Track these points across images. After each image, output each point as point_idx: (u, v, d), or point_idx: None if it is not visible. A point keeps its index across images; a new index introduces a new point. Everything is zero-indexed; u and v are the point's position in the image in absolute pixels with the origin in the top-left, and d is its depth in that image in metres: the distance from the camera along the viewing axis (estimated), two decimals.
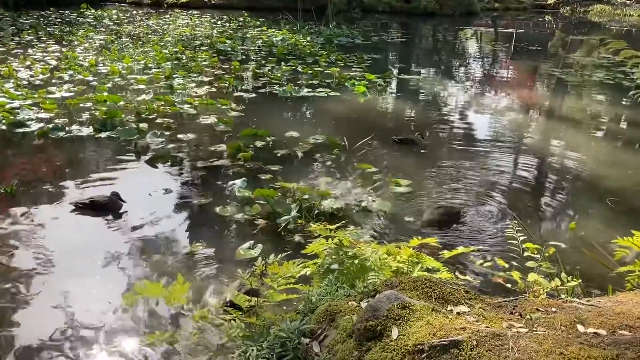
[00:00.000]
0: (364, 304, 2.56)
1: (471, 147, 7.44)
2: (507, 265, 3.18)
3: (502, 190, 5.93)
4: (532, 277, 2.99)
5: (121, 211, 5.14)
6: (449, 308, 2.43)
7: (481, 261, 3.30)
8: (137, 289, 2.92)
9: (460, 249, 3.33)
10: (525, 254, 3.26)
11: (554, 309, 2.36)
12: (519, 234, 3.36)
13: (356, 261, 3.16)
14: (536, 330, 2.14)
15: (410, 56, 16.81)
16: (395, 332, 2.23)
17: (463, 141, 7.78)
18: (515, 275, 3.13)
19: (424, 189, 5.81)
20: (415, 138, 7.37)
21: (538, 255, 3.21)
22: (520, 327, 2.20)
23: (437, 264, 3.30)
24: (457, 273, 3.31)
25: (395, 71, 13.49)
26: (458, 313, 2.38)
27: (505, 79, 13.96)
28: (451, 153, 7.20)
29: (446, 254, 3.32)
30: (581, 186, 6.17)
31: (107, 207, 5.16)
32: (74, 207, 5.15)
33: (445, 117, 9.26)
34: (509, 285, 3.19)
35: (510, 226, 3.48)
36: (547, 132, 8.64)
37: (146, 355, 3.06)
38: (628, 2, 31.97)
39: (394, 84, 11.92)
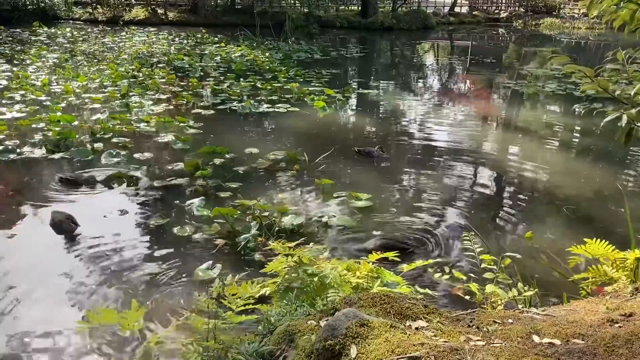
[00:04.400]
0: (323, 323, 2.53)
1: (430, 159, 7.52)
2: (464, 278, 3.20)
3: (460, 201, 6.00)
4: (489, 288, 3.01)
5: (75, 233, 4.99)
6: (407, 323, 2.42)
7: (439, 274, 3.31)
8: (90, 316, 2.82)
9: (419, 262, 3.33)
10: (482, 265, 3.29)
11: (510, 320, 2.37)
12: (475, 246, 3.40)
13: (316, 279, 3.13)
14: (493, 343, 2.15)
15: (368, 70, 16.98)
16: (354, 351, 2.20)
17: (422, 153, 7.87)
18: (473, 287, 3.15)
19: (384, 202, 5.84)
20: (376, 151, 7.42)
21: (495, 267, 3.24)
22: (478, 340, 2.20)
23: (397, 278, 3.30)
24: (417, 287, 3.31)
25: (354, 85, 13.59)
26: (417, 328, 2.37)
27: (463, 91, 14.24)
28: (411, 165, 7.28)
29: (405, 267, 3.32)
30: (537, 195, 6.30)
31: (62, 229, 5.01)
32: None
33: (405, 130, 9.36)
34: (467, 297, 3.20)
35: (467, 238, 3.51)
36: (504, 143, 8.82)
37: None
38: (576, 15, 33.16)
39: (353, 98, 12.00)
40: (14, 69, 13.57)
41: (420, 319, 2.46)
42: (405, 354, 2.08)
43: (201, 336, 2.95)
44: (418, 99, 12.53)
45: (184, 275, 4.31)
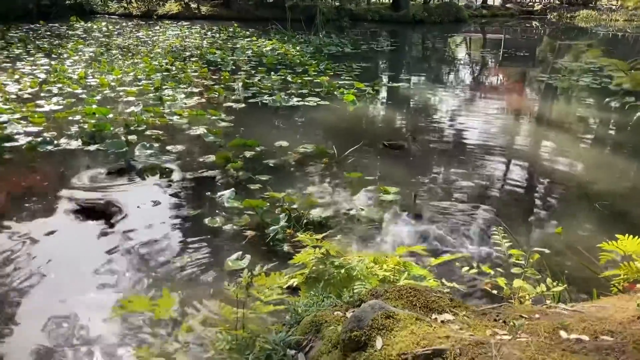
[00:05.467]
0: (349, 314, 2.56)
1: (460, 153, 7.46)
2: (492, 272, 3.19)
3: (490, 195, 5.95)
4: (517, 283, 3.00)
5: (117, 218, 5.15)
6: (433, 316, 2.43)
7: (467, 268, 3.30)
8: (123, 303, 2.91)
9: (447, 256, 3.33)
10: (511, 259, 3.27)
11: (537, 315, 2.36)
12: (504, 240, 3.38)
13: (342, 270, 3.16)
14: (519, 337, 2.15)
15: (399, 64, 16.88)
16: (379, 342, 2.23)
17: (452, 147, 7.81)
18: (501, 281, 3.14)
19: (411, 195, 5.82)
20: (407, 139, 7.41)
21: (523, 261, 3.22)
22: (504, 334, 2.21)
23: (424, 272, 3.31)
24: (443, 280, 3.31)
25: (385, 79, 13.54)
26: (442, 321, 2.38)
27: (495, 85, 14.04)
28: (440, 159, 7.23)
29: (433, 261, 3.32)
30: (569, 190, 6.20)
31: (103, 213, 5.23)
32: (72, 211, 5.23)
33: (435, 124, 9.29)
34: (495, 292, 3.19)
35: (496, 232, 3.49)
36: (536, 137, 8.69)
37: None
38: (613, 7, 32.28)
39: (383, 92, 11.96)
40: (52, 62, 13.92)
41: (446, 312, 2.47)
42: (431, 346, 2.10)
43: (230, 325, 3.02)
44: (449, 92, 12.41)
45: (214, 265, 4.39)
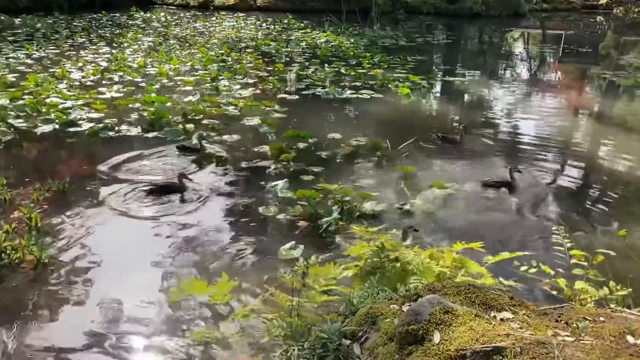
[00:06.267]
0: (405, 308, 2.56)
1: (516, 150, 7.30)
2: (552, 272, 3.12)
3: (548, 194, 5.80)
4: (579, 285, 2.92)
5: (170, 208, 5.34)
6: (492, 314, 2.40)
7: (526, 267, 3.23)
8: (182, 285, 2.99)
9: (505, 255, 3.28)
10: (572, 261, 3.18)
11: (602, 319, 2.30)
12: (565, 241, 3.29)
13: (398, 264, 3.16)
14: (583, 340, 2.09)
15: (454, 58, 16.60)
16: (437, 337, 2.22)
17: (508, 144, 7.65)
18: (561, 282, 3.06)
19: (466, 192, 5.73)
20: (460, 133, 7.32)
21: (585, 263, 3.12)
22: (567, 335, 2.16)
23: (481, 269, 3.26)
24: (501, 279, 3.26)
25: (440, 73, 13.35)
26: (502, 319, 2.35)
27: (553, 82, 13.62)
28: (495, 155, 7.09)
29: (490, 259, 3.27)
30: (632, 192, 5.97)
31: (175, 189, 5.62)
32: (146, 190, 5.58)
33: (490, 120, 9.11)
34: (554, 293, 3.11)
35: (557, 232, 3.40)
36: (596, 136, 8.39)
37: (190, 351, 3.14)
38: None
39: (438, 86, 11.80)
40: (113, 51, 14.36)
41: (506, 310, 2.43)
42: (491, 344, 2.08)
43: (285, 312, 3.07)
44: (505, 88, 12.12)
45: (268, 252, 4.46)
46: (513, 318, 2.35)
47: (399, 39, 18.31)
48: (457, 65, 15.21)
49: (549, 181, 6.18)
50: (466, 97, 11.05)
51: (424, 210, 5.21)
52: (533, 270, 3.16)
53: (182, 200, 5.49)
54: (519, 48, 19.95)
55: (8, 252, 4.29)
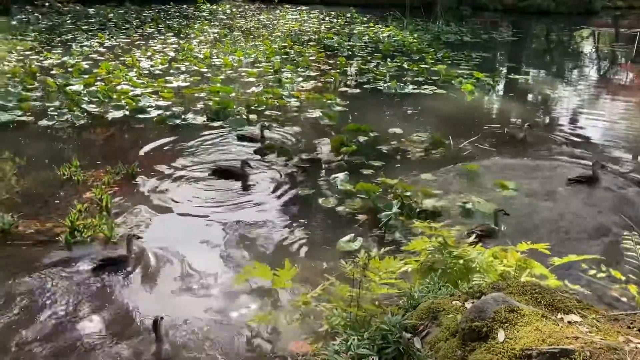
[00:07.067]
0: (468, 305, 2.53)
1: (583, 151, 7.03)
2: (623, 278, 3.00)
3: (617, 198, 5.56)
4: None
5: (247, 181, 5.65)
6: (559, 316, 2.34)
7: (594, 271, 3.13)
8: (247, 270, 3.06)
9: (572, 257, 3.18)
10: None
11: None
12: (637, 246, 3.16)
13: (461, 261, 3.12)
14: None
15: (520, 56, 16.14)
16: (501, 335, 2.19)
17: (575, 145, 7.37)
18: (633, 289, 2.94)
19: (531, 193, 5.57)
20: (524, 130, 7.14)
21: None
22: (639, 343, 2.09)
23: (545, 271, 3.18)
24: (566, 282, 3.17)
25: (505, 71, 13.02)
26: (569, 322, 2.29)
27: (624, 83, 13.02)
28: (561, 155, 6.85)
29: (556, 261, 3.19)
30: None
31: (236, 175, 5.83)
32: (212, 170, 5.91)
33: (556, 120, 8.82)
34: (624, 300, 3.00)
35: (629, 237, 3.27)
36: None
37: (252, 332, 3.22)
38: None
39: (502, 83, 11.52)
40: (180, 41, 14.77)
41: (573, 313, 2.37)
42: (558, 345, 2.03)
43: (344, 302, 3.09)
44: (572, 88, 11.69)
45: (327, 243, 4.50)
46: (581, 321, 2.29)
47: (463, 35, 17.96)
48: (522, 63, 14.79)
49: (617, 184, 5.93)
50: (531, 96, 10.75)
51: (486, 210, 5.11)
52: (602, 275, 3.06)
53: (244, 188, 5.62)
54: (587, 47, 19.18)
55: (81, 230, 4.53)
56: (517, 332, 2.18)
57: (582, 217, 5.06)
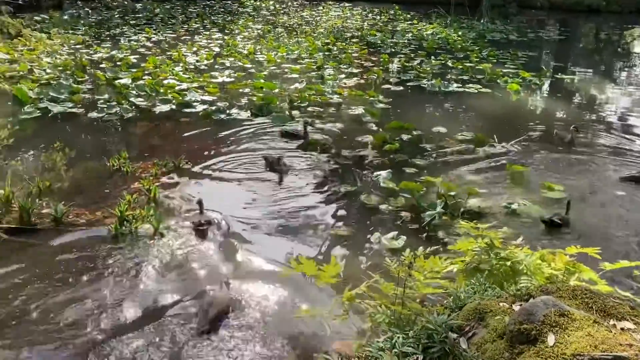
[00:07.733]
0: (516, 307, 2.51)
1: (632, 154, 6.81)
2: None
3: None
4: None
5: (275, 188, 5.62)
6: (611, 322, 2.30)
7: None
8: (292, 264, 3.09)
9: (624, 262, 3.10)
10: None
11: None
12: None
13: (508, 263, 3.09)
14: None
15: (567, 55, 15.74)
16: (551, 339, 2.16)
17: (624, 147, 7.15)
18: None
19: (578, 196, 5.44)
20: (571, 131, 6.97)
21: None
22: None
23: (595, 276, 3.11)
24: (617, 289, 3.09)
25: (551, 70, 12.73)
26: (622, 329, 2.25)
27: None
28: (609, 157, 6.67)
29: (607, 266, 3.11)
30: None
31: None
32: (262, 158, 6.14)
33: (604, 121, 8.57)
34: None
35: None
36: None
37: (298, 327, 3.28)
38: None
39: (549, 83, 11.27)
40: (225, 37, 14.96)
41: (627, 319, 2.32)
42: (611, 352, 2.00)
43: (388, 300, 3.09)
44: (621, 89, 11.34)
45: (370, 241, 4.51)
46: (635, 329, 2.24)
47: (509, 33, 17.62)
48: (570, 63, 14.43)
49: None
50: (578, 96, 10.49)
51: (531, 212, 5.03)
52: None
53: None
54: (638, 47, 18.55)
55: (129, 220, 4.65)
56: (568, 336, 2.15)
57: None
